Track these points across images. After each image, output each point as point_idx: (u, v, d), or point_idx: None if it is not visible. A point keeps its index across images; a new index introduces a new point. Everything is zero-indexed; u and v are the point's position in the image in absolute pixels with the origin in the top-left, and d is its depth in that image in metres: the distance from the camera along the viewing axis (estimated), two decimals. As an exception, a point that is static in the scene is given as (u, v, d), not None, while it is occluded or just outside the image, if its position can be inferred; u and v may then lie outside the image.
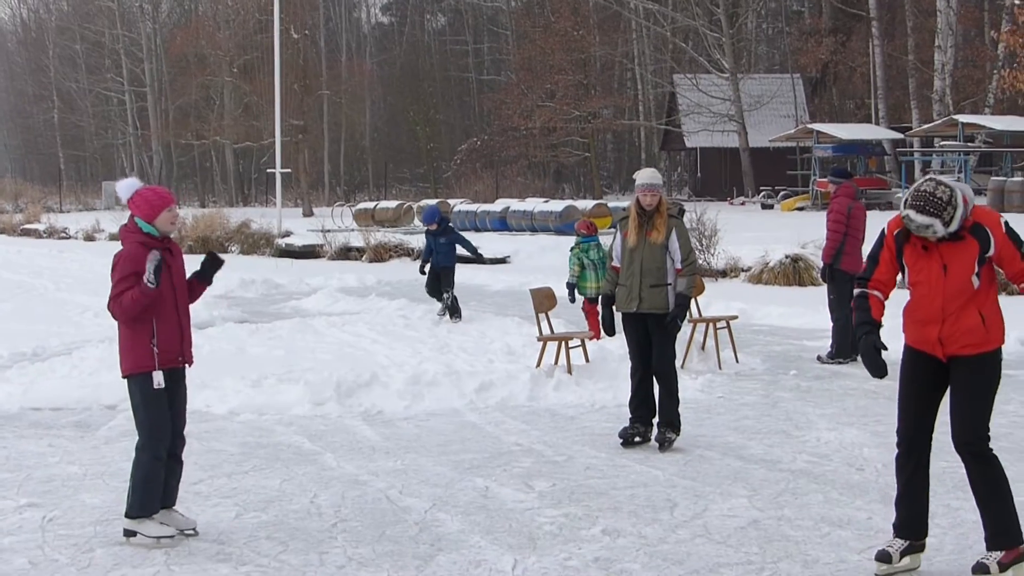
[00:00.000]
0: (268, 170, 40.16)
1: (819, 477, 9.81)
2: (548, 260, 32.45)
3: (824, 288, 16.96)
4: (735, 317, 16.31)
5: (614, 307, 11.28)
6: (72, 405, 13.27)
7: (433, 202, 46.47)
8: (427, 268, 20.87)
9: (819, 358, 15.83)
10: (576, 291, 16.86)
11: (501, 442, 11.34)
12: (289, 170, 47.16)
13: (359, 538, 8.31)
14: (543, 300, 14.68)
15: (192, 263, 8.37)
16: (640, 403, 11.22)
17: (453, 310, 20.34)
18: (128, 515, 8.24)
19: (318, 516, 8.87)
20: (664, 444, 10.93)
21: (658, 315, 10.97)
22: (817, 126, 56.11)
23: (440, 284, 20.61)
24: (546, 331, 14.50)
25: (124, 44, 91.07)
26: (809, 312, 19.96)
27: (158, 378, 8.11)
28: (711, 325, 15.48)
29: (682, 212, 11.55)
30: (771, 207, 55.10)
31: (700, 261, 26.86)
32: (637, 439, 11.14)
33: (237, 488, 9.69)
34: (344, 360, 15.77)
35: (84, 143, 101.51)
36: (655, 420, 11.16)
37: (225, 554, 7.99)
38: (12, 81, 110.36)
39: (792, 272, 24.73)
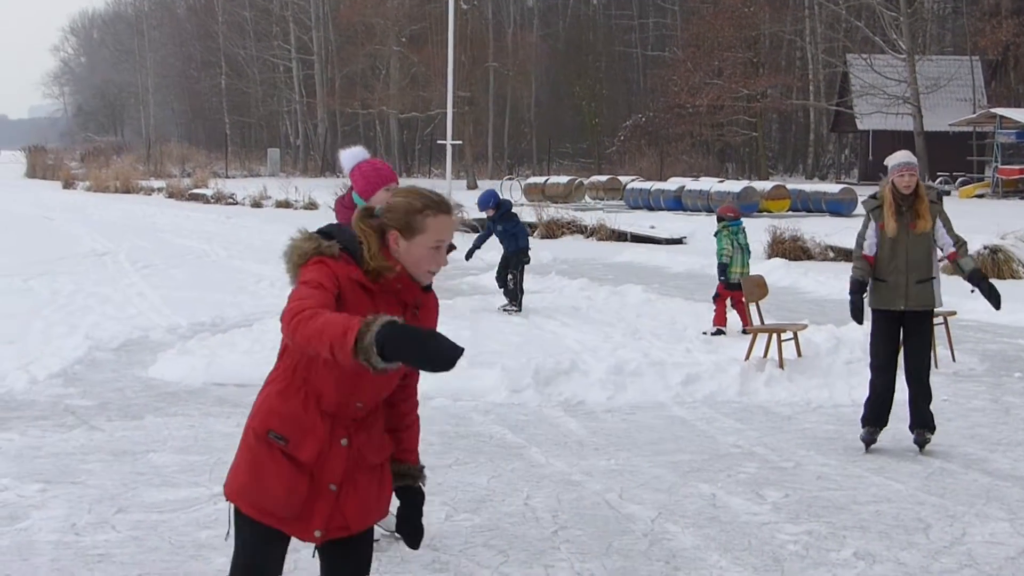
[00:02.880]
0: (439, 141, 39.57)
1: (1084, 500, 8.84)
2: (726, 242, 31.47)
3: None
4: (953, 313, 15.25)
5: (866, 298, 10.43)
6: (257, 382, 12.53)
7: (500, 182, 45.54)
8: (473, 255, 19.75)
9: (1045, 360, 14.75)
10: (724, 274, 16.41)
11: (718, 443, 10.52)
12: (460, 142, 46.68)
13: (584, 550, 7.56)
14: (754, 288, 13.80)
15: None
16: (882, 406, 10.35)
17: (513, 296, 18.37)
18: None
19: (535, 521, 8.13)
20: (923, 445, 10.24)
21: (921, 313, 10.16)
22: (1001, 111, 54.12)
23: (505, 273, 18.66)
24: (756, 322, 13.60)
25: (293, 11, 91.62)
26: (1018, 308, 18.80)
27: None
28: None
29: (940, 196, 10.54)
30: (947, 194, 53.30)
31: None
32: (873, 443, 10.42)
33: (443, 484, 9.00)
34: (533, 344, 15.09)
35: (250, 110, 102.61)
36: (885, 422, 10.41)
37: (441, 563, 7.29)
38: (181, 47, 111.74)
39: (991, 264, 23.47)
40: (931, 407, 10.29)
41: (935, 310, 10.57)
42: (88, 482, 8.92)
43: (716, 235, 16.75)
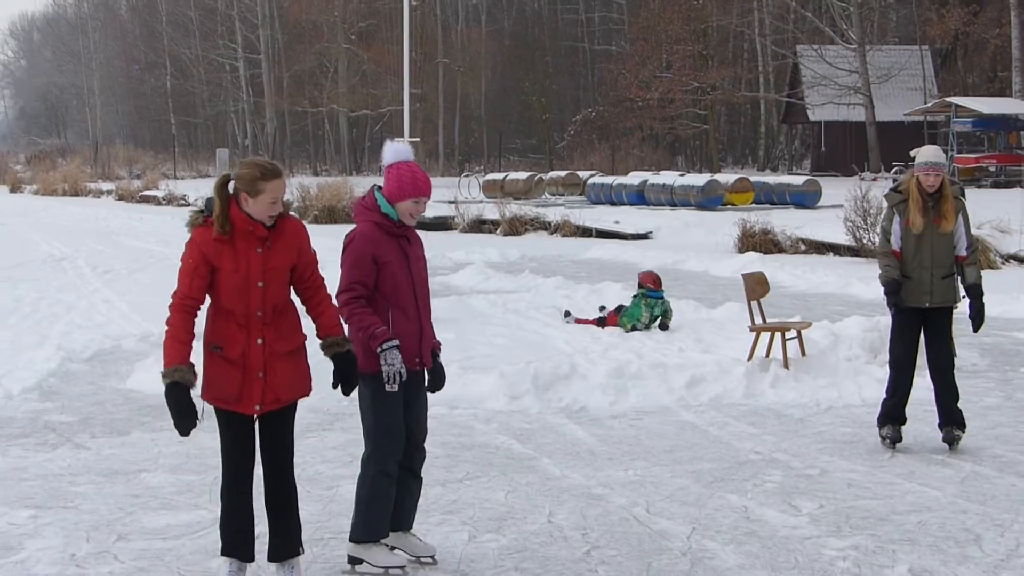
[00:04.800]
0: (396, 138, 38.95)
1: None
2: (694, 237, 31.16)
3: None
4: (955, 307, 14.88)
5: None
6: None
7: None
8: None
9: (1045, 353, 14.43)
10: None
11: (735, 449, 10.08)
12: (418, 139, 46.15)
13: (624, 572, 7.10)
14: (755, 286, 13.36)
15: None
16: (901, 404, 10.13)
17: None
18: (352, 539, 7.09)
19: (564, 541, 7.66)
20: (954, 443, 9.98)
21: (943, 308, 9.94)
22: (956, 100, 54.01)
23: None
24: (759, 321, 13.18)
25: (239, 10, 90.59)
26: (999, 298, 18.50)
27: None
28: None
29: (963, 192, 10.20)
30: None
31: (865, 241, 25.45)
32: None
33: (458, 501, 8.52)
34: (521, 346, 14.65)
35: (196, 110, 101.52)
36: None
37: (475, 590, 6.82)
38: (125, 48, 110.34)
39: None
40: (959, 404, 10.03)
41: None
42: (82, 507, 8.39)
43: (634, 298, 16.19)
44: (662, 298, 16.13)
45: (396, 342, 6.78)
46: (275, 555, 6.80)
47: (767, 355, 12.87)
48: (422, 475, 7.31)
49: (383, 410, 6.93)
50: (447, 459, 9.67)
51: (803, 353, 12.99)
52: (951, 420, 9.99)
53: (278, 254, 6.49)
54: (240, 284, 6.42)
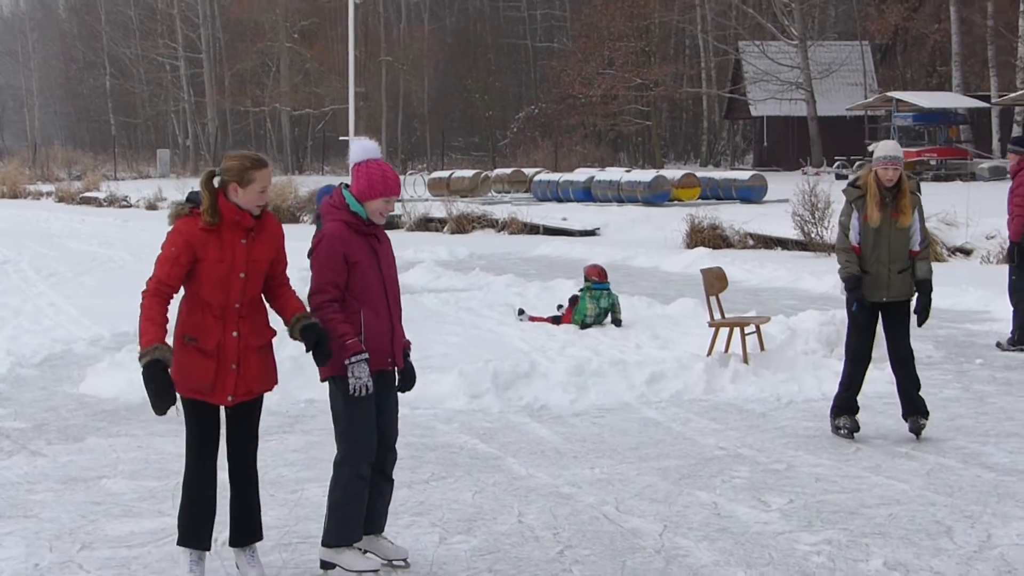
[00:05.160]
0: (341, 137, 38.85)
1: (1096, 494, 8.48)
2: (641, 233, 31.17)
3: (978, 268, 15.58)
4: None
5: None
6: (199, 396, 12.00)
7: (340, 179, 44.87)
8: None
9: (999, 345, 14.49)
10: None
11: (699, 445, 10.04)
12: (362, 137, 45.94)
13: (598, 572, 7.04)
14: (714, 282, 13.35)
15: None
16: (854, 395, 10.28)
17: None
18: (325, 543, 6.99)
19: (536, 541, 7.58)
20: (920, 432, 10.09)
21: (900, 302, 10.04)
22: (898, 94, 54.34)
23: None
24: (718, 316, 13.16)
25: (179, 9, 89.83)
26: (948, 291, 18.62)
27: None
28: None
29: (919, 187, 10.25)
30: (846, 177, 53.43)
31: (813, 235, 25.54)
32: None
33: (425, 503, 8.43)
34: (478, 344, 14.57)
35: (136, 110, 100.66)
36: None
37: (449, 592, 6.74)
38: (63, 47, 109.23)
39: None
40: (920, 393, 10.17)
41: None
42: (42, 515, 8.23)
43: (581, 292, 16.13)
44: (607, 290, 16.07)
45: (365, 356, 6.71)
46: (238, 540, 6.95)
47: (726, 350, 12.87)
48: (394, 478, 7.21)
49: (356, 412, 6.83)
50: (411, 460, 9.55)
51: (762, 348, 12.99)
52: (915, 409, 10.08)
53: (261, 246, 6.71)
54: (224, 274, 6.58)
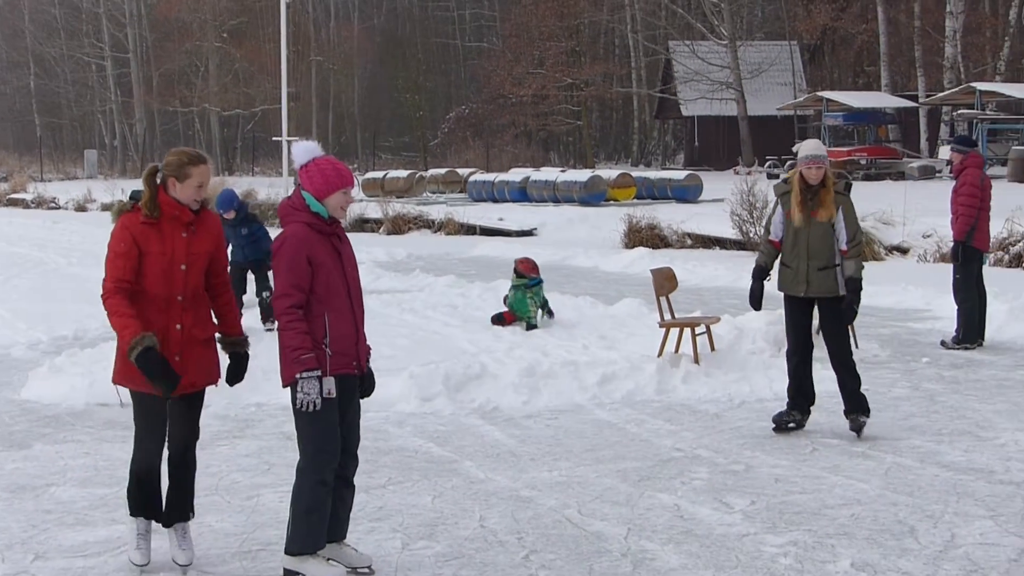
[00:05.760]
0: (274, 138, 38.63)
1: (1055, 492, 8.51)
2: (579, 232, 31.16)
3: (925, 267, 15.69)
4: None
5: (768, 283, 10.60)
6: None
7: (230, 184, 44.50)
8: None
9: (943, 343, 14.55)
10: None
11: (656, 446, 9.99)
12: (298, 138, 45.64)
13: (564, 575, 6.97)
14: (664, 282, 13.31)
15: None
16: (798, 389, 10.42)
17: (269, 312, 15.76)
18: (289, 551, 6.85)
19: (500, 545, 7.50)
20: (860, 429, 10.17)
21: (829, 299, 10.16)
22: (828, 94, 54.76)
23: (244, 283, 16.32)
24: (668, 316, 13.12)
25: (106, 8, 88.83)
26: (889, 289, 18.75)
27: (328, 385, 6.70)
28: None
29: (848, 187, 10.33)
30: (777, 176, 53.77)
31: (752, 235, 25.59)
32: (791, 425, 10.42)
33: (384, 508, 8.32)
34: (425, 347, 14.44)
35: (62, 110, 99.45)
36: (803, 407, 10.55)
37: (417, 600, 6.63)
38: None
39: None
40: (862, 390, 10.28)
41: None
42: (-8, 525, 8.04)
43: (514, 289, 16.02)
44: (541, 283, 16.08)
45: (316, 372, 6.60)
46: (169, 520, 7.20)
47: (676, 351, 12.83)
48: (355, 483, 7.10)
49: (319, 418, 6.70)
50: (367, 464, 9.36)
51: (712, 348, 12.98)
52: (856, 407, 10.21)
53: (201, 240, 6.96)
54: (166, 266, 6.82)
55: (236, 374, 7.25)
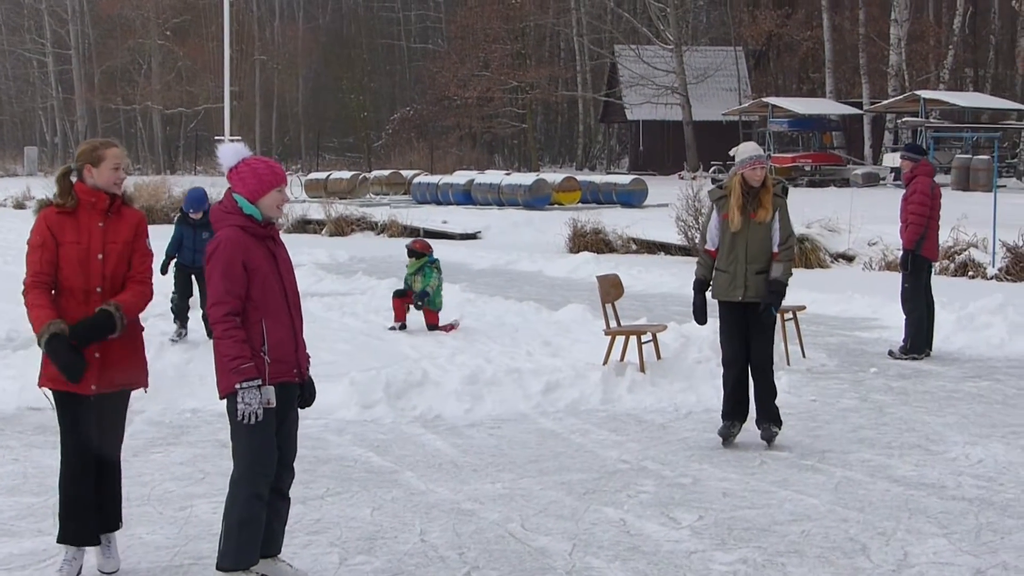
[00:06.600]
0: (216, 137, 38.14)
1: (1007, 508, 8.33)
2: (523, 236, 30.97)
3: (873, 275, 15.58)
4: (803, 308, 14.86)
5: (709, 294, 10.32)
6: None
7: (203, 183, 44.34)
8: (171, 267, 15.43)
9: (891, 353, 14.44)
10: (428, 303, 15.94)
11: (601, 458, 9.77)
12: (240, 138, 45.20)
13: (509, 595, 6.73)
14: (610, 289, 13.11)
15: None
16: (738, 401, 10.23)
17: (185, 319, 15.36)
18: (220, 567, 6.57)
19: (441, 561, 7.25)
20: (771, 439, 10.07)
21: (759, 305, 9.99)
22: (773, 100, 54.95)
23: (189, 287, 15.34)
24: (614, 324, 12.91)
25: (47, 4, 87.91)
26: (836, 298, 18.65)
27: (268, 395, 6.44)
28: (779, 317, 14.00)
29: (786, 191, 10.19)
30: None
31: (697, 241, 25.42)
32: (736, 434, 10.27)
33: (322, 520, 8.06)
34: (366, 352, 14.19)
35: (2, 106, 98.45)
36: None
37: (354, 619, 6.37)
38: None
39: (799, 254, 23.29)
40: (776, 401, 10.20)
41: (782, 304, 10.44)
42: (-88, 536, 7.72)
43: (424, 269, 16.04)
44: (437, 260, 16.32)
45: (257, 382, 6.34)
46: (99, 529, 6.97)
47: (622, 359, 12.62)
48: (290, 496, 6.84)
49: (255, 430, 6.43)
50: (304, 474, 9.14)
51: (658, 356, 12.78)
52: (768, 417, 10.11)
53: (118, 229, 6.81)
54: (82, 256, 6.70)
55: (91, 324, 6.62)
